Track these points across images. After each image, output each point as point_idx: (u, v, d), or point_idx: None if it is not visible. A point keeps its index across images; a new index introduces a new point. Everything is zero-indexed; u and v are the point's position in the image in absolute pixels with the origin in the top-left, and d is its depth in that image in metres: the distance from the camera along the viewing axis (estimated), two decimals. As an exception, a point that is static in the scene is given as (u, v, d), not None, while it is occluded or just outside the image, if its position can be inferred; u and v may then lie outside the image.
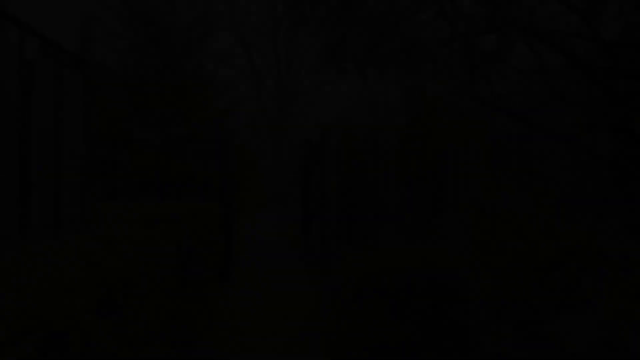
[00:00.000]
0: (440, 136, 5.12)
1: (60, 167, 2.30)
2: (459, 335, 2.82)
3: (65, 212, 2.45)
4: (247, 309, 4.61)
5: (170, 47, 6.41)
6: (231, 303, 4.75)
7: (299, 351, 3.24)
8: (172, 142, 7.07)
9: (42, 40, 2.31)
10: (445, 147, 5.11)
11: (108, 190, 5.96)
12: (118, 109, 6.24)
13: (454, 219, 5.02)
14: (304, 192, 7.35)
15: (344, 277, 3.60)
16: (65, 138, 2.42)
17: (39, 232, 2.07)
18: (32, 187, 2.06)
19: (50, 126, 2.27)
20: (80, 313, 1.05)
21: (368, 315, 3.02)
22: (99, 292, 1.25)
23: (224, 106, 7.06)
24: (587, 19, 2.62)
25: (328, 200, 6.24)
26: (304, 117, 44.35)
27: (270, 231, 12.00)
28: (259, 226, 13.55)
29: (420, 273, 2.99)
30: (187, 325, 2.94)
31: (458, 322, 2.81)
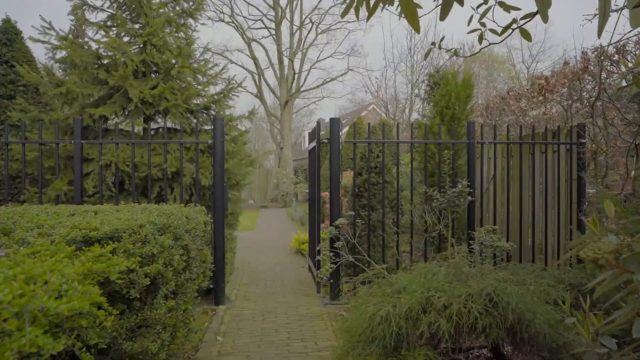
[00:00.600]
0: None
1: None
2: None
3: None
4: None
5: (152, 20, 5.35)
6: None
7: None
8: (155, 133, 6.02)
9: None
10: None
11: (75, 190, 4.90)
12: (89, 93, 5.19)
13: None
14: (312, 195, 6.29)
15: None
16: None
17: None
18: None
19: None
20: None
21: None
22: None
23: (217, 94, 6.00)
24: None
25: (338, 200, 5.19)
26: (308, 115, 43.34)
27: (274, 242, 10.88)
28: (261, 234, 12.44)
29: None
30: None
31: None
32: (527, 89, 6.89)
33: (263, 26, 24.63)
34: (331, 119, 5.23)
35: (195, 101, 6.00)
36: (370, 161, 6.10)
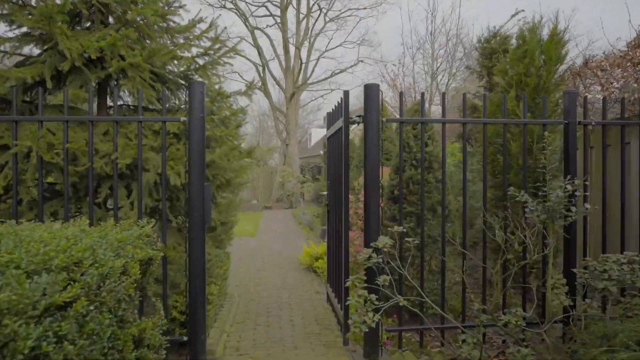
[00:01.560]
0: None
1: None
2: None
3: None
4: None
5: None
6: None
7: None
8: (105, 112, 4.30)
9: None
10: None
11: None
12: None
13: None
14: (333, 198, 4.52)
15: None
16: None
17: None
18: None
19: None
20: None
21: None
22: None
23: (201, 55, 4.27)
24: None
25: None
26: (315, 111, 41.63)
27: (279, 253, 9.14)
28: (263, 242, 10.68)
29: None
30: None
31: None
32: (622, 55, 5.10)
33: (267, 13, 22.85)
34: (367, 86, 3.47)
35: (170, 68, 4.30)
36: (414, 150, 4.36)
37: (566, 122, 3.68)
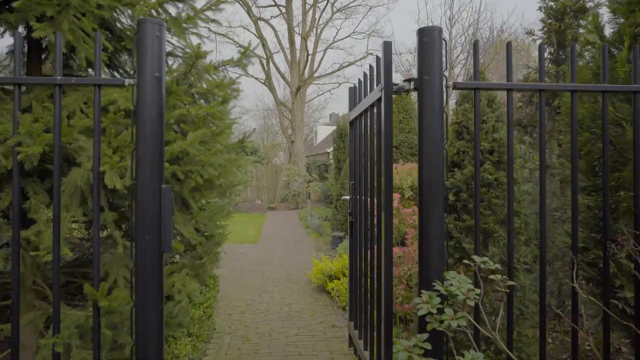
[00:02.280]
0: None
1: None
2: None
3: None
4: None
5: None
6: None
7: None
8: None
9: None
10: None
11: None
12: None
13: None
14: (359, 204, 3.20)
15: None
16: None
17: None
18: None
19: None
20: None
21: None
22: None
23: (169, 4, 3.00)
24: None
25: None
26: (320, 109, 40.35)
27: (284, 266, 7.83)
28: (266, 251, 9.33)
29: None
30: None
31: None
32: None
33: (272, 3, 21.56)
34: (422, 31, 2.18)
35: (130, 23, 3.07)
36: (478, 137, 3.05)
37: None
